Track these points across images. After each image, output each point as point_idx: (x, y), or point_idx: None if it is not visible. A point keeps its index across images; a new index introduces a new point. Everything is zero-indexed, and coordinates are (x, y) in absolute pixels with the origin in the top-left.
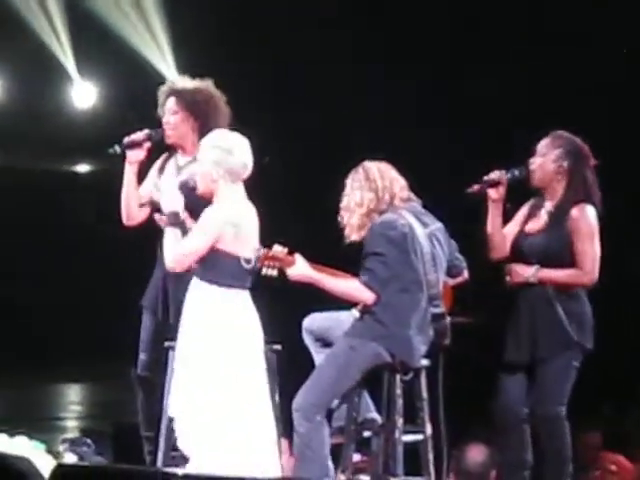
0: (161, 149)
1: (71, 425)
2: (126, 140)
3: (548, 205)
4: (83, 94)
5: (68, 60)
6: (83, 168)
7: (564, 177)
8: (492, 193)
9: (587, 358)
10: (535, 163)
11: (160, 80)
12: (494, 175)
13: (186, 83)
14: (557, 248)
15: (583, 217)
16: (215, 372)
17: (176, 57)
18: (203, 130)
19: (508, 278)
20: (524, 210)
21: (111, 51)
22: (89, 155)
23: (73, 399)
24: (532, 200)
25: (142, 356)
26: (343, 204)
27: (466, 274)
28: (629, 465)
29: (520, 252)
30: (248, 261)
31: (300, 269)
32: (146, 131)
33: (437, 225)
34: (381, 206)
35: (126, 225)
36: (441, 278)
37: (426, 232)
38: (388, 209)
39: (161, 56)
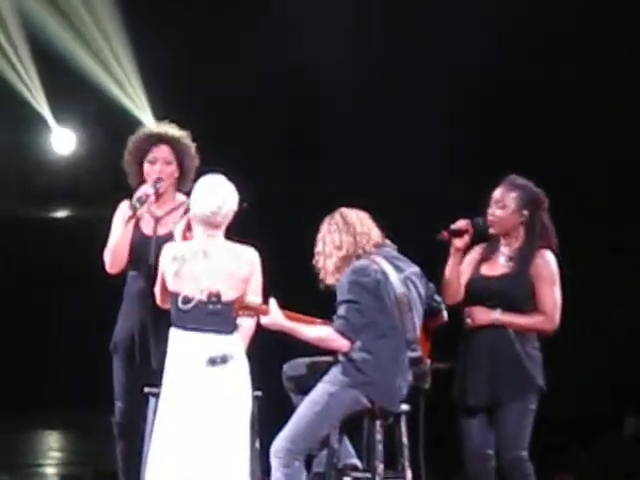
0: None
1: (51, 472)
2: (140, 196)
3: (505, 250)
4: (61, 141)
5: (43, 108)
6: (62, 214)
7: (524, 225)
8: (457, 242)
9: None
10: (495, 215)
11: (135, 122)
12: (460, 224)
13: (174, 131)
14: (519, 293)
15: (545, 263)
16: (189, 423)
17: (150, 101)
18: (180, 181)
19: (469, 320)
20: (475, 254)
21: (87, 97)
22: (69, 201)
23: (53, 445)
24: (483, 244)
25: (119, 403)
26: (318, 248)
27: (445, 316)
28: None
29: (478, 295)
30: (186, 300)
31: (273, 318)
32: (151, 184)
33: (413, 269)
34: (358, 250)
35: (110, 273)
36: (417, 322)
37: (401, 277)
38: (362, 255)
39: (136, 100)
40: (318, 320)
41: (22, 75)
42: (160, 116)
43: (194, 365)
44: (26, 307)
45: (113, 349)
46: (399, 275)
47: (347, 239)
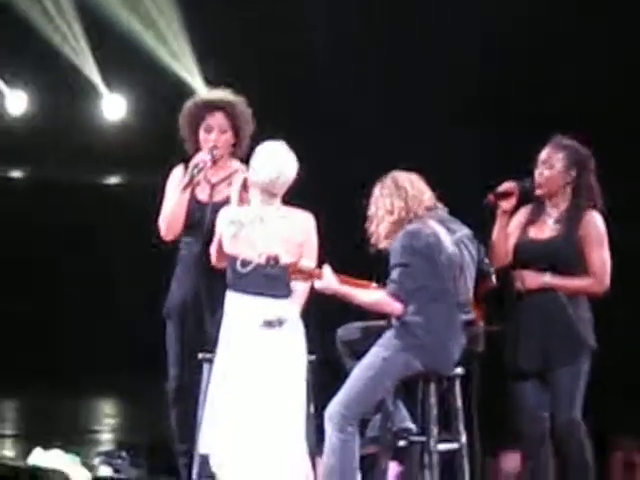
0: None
1: (106, 438)
2: (199, 163)
3: (553, 212)
4: (112, 107)
5: (94, 73)
6: (114, 180)
7: (570, 185)
8: (504, 204)
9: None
10: (543, 175)
11: (186, 90)
12: (507, 186)
13: (229, 97)
14: (568, 255)
15: (593, 224)
16: (244, 386)
17: (201, 66)
18: (236, 147)
19: (519, 284)
20: (521, 217)
21: (137, 63)
22: (120, 167)
23: (108, 412)
24: (529, 207)
25: (173, 370)
26: (371, 212)
27: (494, 280)
28: None
29: (528, 259)
30: (245, 263)
31: (327, 282)
32: (208, 153)
33: (464, 232)
34: (410, 215)
35: (165, 239)
36: (470, 285)
37: (453, 239)
38: (414, 218)
39: (185, 66)
40: (372, 284)
41: (71, 41)
42: (211, 82)
43: (250, 328)
44: (80, 274)
45: (166, 314)
46: (451, 237)
47: (398, 203)
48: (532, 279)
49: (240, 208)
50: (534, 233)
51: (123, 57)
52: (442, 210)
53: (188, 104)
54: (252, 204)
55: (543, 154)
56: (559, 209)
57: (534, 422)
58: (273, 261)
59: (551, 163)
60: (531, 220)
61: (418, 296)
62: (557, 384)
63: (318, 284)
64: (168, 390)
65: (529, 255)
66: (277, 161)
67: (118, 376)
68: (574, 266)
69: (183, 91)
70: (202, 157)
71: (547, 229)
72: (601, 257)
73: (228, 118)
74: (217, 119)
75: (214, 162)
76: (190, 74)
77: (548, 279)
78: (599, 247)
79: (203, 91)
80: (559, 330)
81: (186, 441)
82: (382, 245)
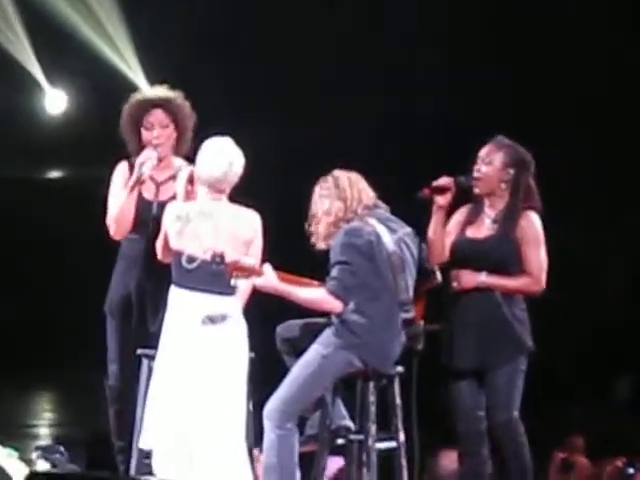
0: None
1: (44, 432)
2: (146, 161)
3: (490, 212)
4: (54, 101)
5: (35, 68)
6: (56, 175)
7: (509, 185)
8: (440, 199)
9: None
10: (481, 171)
11: (127, 85)
12: (443, 181)
13: (166, 93)
14: (505, 255)
15: (531, 225)
16: (186, 382)
17: (141, 62)
18: (179, 144)
19: (455, 284)
20: (459, 216)
21: (78, 58)
22: (63, 161)
23: (46, 406)
24: (467, 206)
25: (112, 366)
26: (311, 212)
27: (439, 278)
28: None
29: (464, 258)
30: (190, 260)
31: (267, 280)
32: (151, 150)
33: (406, 230)
34: (349, 215)
35: (115, 238)
36: (411, 283)
37: (394, 238)
38: (354, 218)
39: (126, 60)
40: (313, 282)
41: (11, 37)
42: (152, 77)
43: (193, 324)
44: (20, 269)
45: (108, 310)
46: (392, 236)
47: (337, 204)
48: (468, 278)
49: (187, 203)
50: (471, 232)
51: (64, 52)
52: (383, 209)
53: (127, 104)
54: (199, 200)
55: (483, 151)
56: (497, 209)
57: (470, 421)
58: (219, 258)
59: (490, 160)
60: (469, 220)
61: (358, 294)
62: (494, 384)
63: (258, 281)
64: (107, 387)
65: (466, 254)
66: (224, 157)
67: (57, 370)
68: (511, 266)
69: (124, 85)
70: (147, 154)
71: (484, 229)
72: (538, 257)
73: (167, 113)
74: (156, 116)
75: (159, 160)
76: (131, 69)
77: (484, 278)
78: (536, 247)
79: (144, 86)
80: (495, 330)
81: (124, 438)
82: (322, 245)
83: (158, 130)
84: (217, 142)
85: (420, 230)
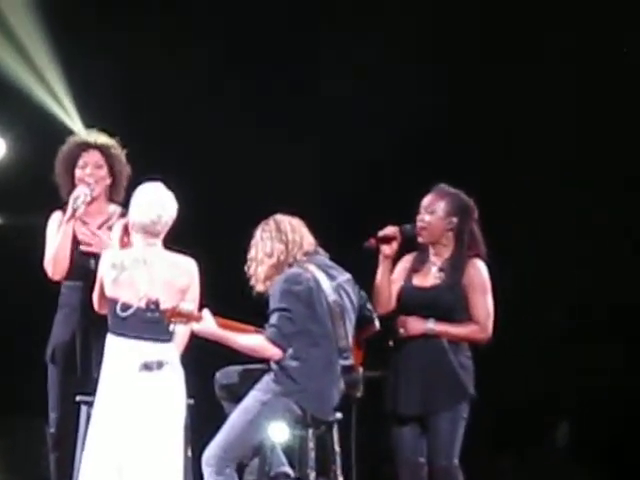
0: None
1: None
2: (79, 195)
3: (436, 260)
4: None
5: None
6: None
7: (453, 233)
8: (386, 248)
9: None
10: (424, 221)
11: (64, 133)
12: (389, 231)
13: (104, 138)
14: (452, 303)
15: (478, 272)
16: (123, 429)
17: (78, 110)
18: (112, 189)
19: (402, 330)
20: (405, 264)
21: (15, 105)
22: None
23: None
24: (413, 254)
25: (53, 414)
26: (251, 254)
27: (377, 325)
28: None
29: (411, 306)
30: (125, 307)
31: (205, 326)
32: (86, 187)
33: (345, 277)
34: (289, 259)
35: (54, 280)
36: (350, 330)
37: (333, 285)
38: (294, 263)
39: (64, 109)
40: (251, 327)
41: None
42: (89, 124)
43: (129, 371)
44: None
45: (49, 358)
46: (331, 283)
47: (279, 247)
48: (415, 325)
49: (122, 251)
50: (418, 280)
51: (1, 99)
52: (322, 256)
53: (63, 146)
54: (134, 247)
55: (426, 200)
56: (442, 257)
57: (411, 467)
58: (154, 305)
59: (433, 209)
60: (415, 267)
61: (297, 340)
62: (436, 430)
63: (196, 327)
64: (48, 434)
65: (413, 302)
66: (157, 201)
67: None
68: (458, 314)
69: (62, 133)
70: (81, 190)
71: (431, 277)
72: (485, 305)
73: (103, 155)
74: (92, 156)
75: (92, 200)
76: (69, 117)
77: (431, 325)
78: (483, 295)
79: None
80: (440, 376)
81: None
82: (260, 288)
83: (92, 169)
84: (149, 187)
85: (364, 277)
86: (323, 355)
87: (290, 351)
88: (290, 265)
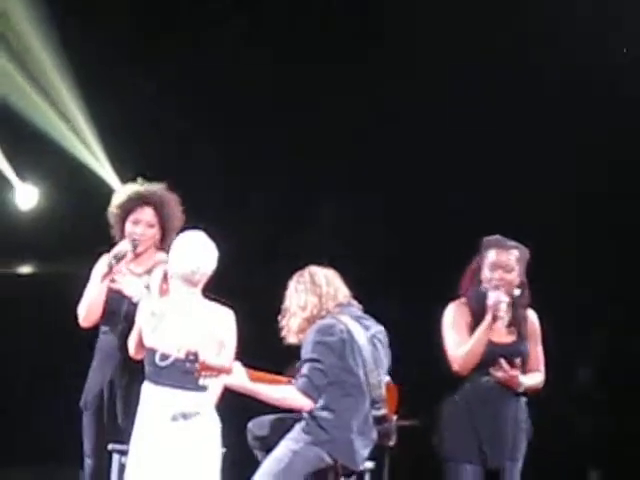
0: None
1: None
2: (116, 253)
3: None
4: (25, 196)
5: (2, 163)
6: (26, 269)
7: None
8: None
9: None
10: (505, 279)
11: (95, 179)
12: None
13: (161, 192)
14: (527, 357)
15: (536, 320)
16: (159, 478)
17: (109, 156)
18: (162, 241)
19: (499, 373)
20: (465, 318)
21: (45, 152)
22: (34, 256)
23: None
24: (461, 306)
25: (88, 460)
26: (284, 305)
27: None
28: None
29: (491, 362)
30: (164, 357)
31: (236, 379)
32: (129, 243)
33: (378, 328)
34: (322, 312)
35: (82, 326)
36: (383, 380)
37: (367, 335)
38: (327, 315)
39: (95, 156)
40: (284, 379)
41: None
42: (120, 172)
43: (165, 420)
44: None
45: (83, 405)
46: (365, 333)
47: (312, 300)
48: (514, 376)
49: (161, 299)
50: (493, 336)
51: (33, 148)
52: (355, 307)
53: (120, 193)
54: (173, 295)
55: (502, 257)
56: None
57: None
58: (192, 356)
59: (513, 267)
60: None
61: (329, 391)
62: (509, 478)
63: (228, 380)
64: None
65: (494, 359)
66: (197, 251)
67: (39, 466)
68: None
69: (94, 181)
70: (122, 247)
71: (503, 331)
72: (542, 355)
73: (156, 213)
74: (145, 214)
75: (137, 254)
76: (100, 163)
77: (524, 380)
78: (540, 345)
79: (113, 180)
80: (523, 431)
81: None
82: (292, 340)
83: (143, 228)
84: (189, 236)
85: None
86: (355, 406)
87: (321, 401)
88: (323, 317)
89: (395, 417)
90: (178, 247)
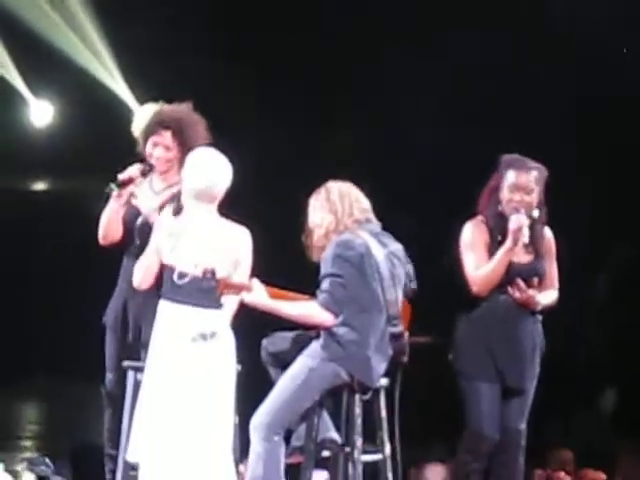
0: None
1: (29, 444)
2: (121, 178)
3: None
4: (39, 113)
5: (16, 80)
6: (41, 186)
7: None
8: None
9: None
10: (524, 201)
11: (110, 95)
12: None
13: (177, 112)
14: (544, 275)
15: (551, 238)
16: (175, 397)
17: (122, 72)
18: (182, 162)
19: (517, 293)
20: (483, 236)
21: (60, 69)
22: (49, 173)
23: (31, 418)
24: (479, 224)
25: (109, 374)
26: (306, 223)
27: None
28: None
29: (509, 283)
30: (182, 275)
31: (255, 296)
32: (140, 167)
33: (396, 246)
34: (339, 228)
35: (102, 244)
36: (400, 297)
37: (385, 252)
38: (345, 231)
39: (107, 71)
40: (303, 296)
41: None
42: (135, 89)
43: (183, 339)
44: (3, 280)
45: (105, 321)
46: (383, 250)
47: (327, 217)
48: (531, 296)
49: (178, 218)
50: (513, 256)
51: (48, 64)
52: (374, 224)
53: (142, 116)
54: (189, 214)
55: (522, 179)
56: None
57: (510, 432)
58: (210, 274)
59: (533, 187)
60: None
61: (348, 306)
62: (526, 396)
63: (248, 298)
64: (104, 394)
65: (511, 279)
66: (212, 166)
67: (42, 382)
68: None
69: (109, 98)
70: (130, 172)
71: (521, 251)
72: (556, 271)
73: (175, 136)
74: (163, 137)
75: (160, 172)
76: (115, 81)
77: (539, 299)
78: (555, 262)
79: (129, 98)
80: (539, 349)
81: (116, 446)
82: (314, 257)
83: (160, 152)
84: (203, 152)
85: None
86: (372, 322)
87: (340, 317)
88: (341, 232)
89: (407, 334)
90: (191, 164)
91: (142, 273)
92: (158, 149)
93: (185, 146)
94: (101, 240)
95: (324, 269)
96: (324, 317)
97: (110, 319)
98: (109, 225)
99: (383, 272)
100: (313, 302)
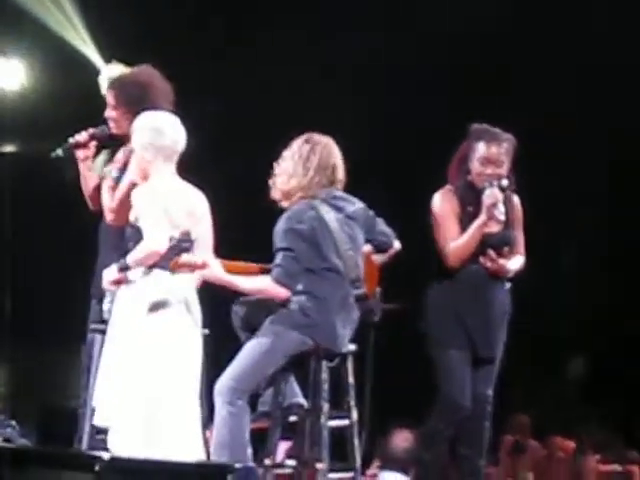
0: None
1: None
2: (70, 143)
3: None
4: (9, 73)
5: None
6: (9, 149)
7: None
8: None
9: None
10: (496, 173)
11: (78, 57)
12: (80, 137)
13: (120, 72)
14: (512, 242)
15: (518, 207)
16: (143, 357)
17: (93, 36)
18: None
19: (489, 263)
20: (453, 206)
21: (30, 30)
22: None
23: None
24: (449, 194)
25: (89, 336)
26: (278, 167)
27: (397, 245)
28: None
29: (480, 252)
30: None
31: (211, 272)
32: (90, 131)
33: (354, 207)
34: (301, 194)
35: (93, 210)
36: (360, 261)
37: (339, 217)
38: (305, 194)
39: (78, 35)
40: (257, 266)
41: None
42: (103, 49)
43: (146, 306)
44: None
45: (93, 293)
46: (337, 215)
47: (296, 178)
48: (502, 264)
49: (154, 183)
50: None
51: (18, 25)
52: (333, 189)
53: (106, 75)
54: (161, 177)
55: (493, 151)
56: None
57: (470, 400)
58: (186, 236)
59: (503, 160)
60: (474, 212)
61: (305, 277)
62: (494, 363)
63: (204, 274)
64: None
65: (482, 248)
66: (173, 122)
67: (7, 344)
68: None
69: (77, 58)
70: (79, 137)
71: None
72: (522, 237)
73: (115, 95)
74: (109, 97)
75: (112, 135)
76: (85, 43)
77: (510, 266)
78: (521, 228)
79: (97, 59)
80: (508, 314)
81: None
82: (281, 202)
83: (108, 111)
84: (155, 113)
85: None
86: (334, 288)
87: (300, 286)
88: (302, 197)
89: (378, 290)
90: (160, 122)
91: (111, 204)
92: (108, 109)
93: (130, 105)
94: (91, 206)
95: (277, 243)
96: (279, 291)
97: (97, 293)
98: (86, 191)
99: (338, 238)
100: (267, 277)
